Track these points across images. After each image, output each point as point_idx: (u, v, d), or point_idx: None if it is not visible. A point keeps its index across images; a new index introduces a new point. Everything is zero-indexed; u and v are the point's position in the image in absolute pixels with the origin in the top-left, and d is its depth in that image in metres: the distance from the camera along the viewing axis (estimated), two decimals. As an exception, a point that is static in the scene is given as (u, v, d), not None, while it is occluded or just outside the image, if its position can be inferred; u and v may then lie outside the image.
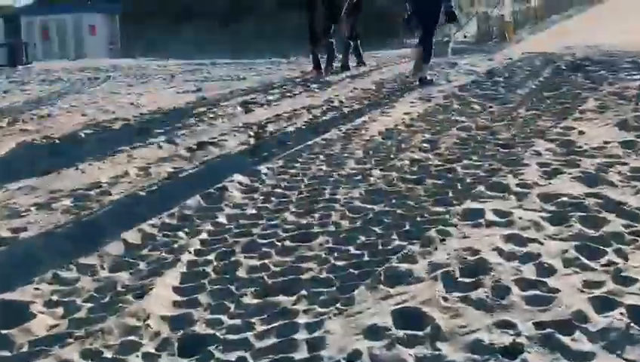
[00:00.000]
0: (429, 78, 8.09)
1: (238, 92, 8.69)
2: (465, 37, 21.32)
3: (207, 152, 5.40)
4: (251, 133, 5.93)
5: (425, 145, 5.11)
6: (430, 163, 4.65)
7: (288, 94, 8.15)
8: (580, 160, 4.41)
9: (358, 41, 10.77)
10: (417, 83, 8.03)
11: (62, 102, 8.71)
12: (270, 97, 8.01)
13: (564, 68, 7.86)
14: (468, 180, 4.23)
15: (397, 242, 3.36)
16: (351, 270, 3.09)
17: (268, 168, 4.75)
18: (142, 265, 3.34)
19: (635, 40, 12.77)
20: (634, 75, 6.64)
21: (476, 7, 28.24)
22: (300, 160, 4.97)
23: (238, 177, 4.53)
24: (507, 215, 3.58)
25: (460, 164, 4.56)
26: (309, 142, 5.49)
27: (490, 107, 6.28)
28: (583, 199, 3.73)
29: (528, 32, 25.10)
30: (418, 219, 3.65)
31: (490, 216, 3.58)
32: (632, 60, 7.55)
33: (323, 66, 10.05)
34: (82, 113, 7.52)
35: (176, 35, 33.94)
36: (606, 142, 4.77)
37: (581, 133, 5.06)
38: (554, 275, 2.88)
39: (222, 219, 3.86)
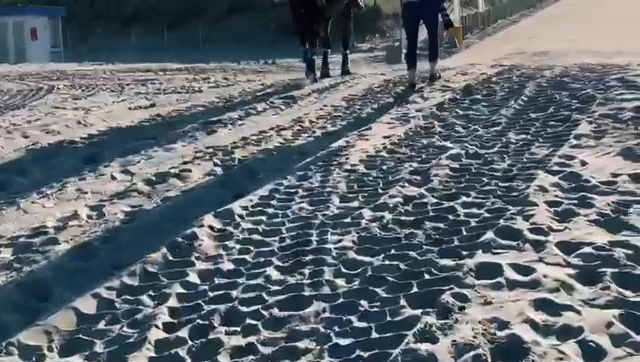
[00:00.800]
0: (437, 75, 8.92)
1: (196, 108, 8.05)
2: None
3: (169, 186, 4.76)
4: (217, 162, 5.29)
5: (415, 177, 4.58)
6: (425, 200, 4.12)
7: (252, 111, 7.54)
8: (592, 197, 3.95)
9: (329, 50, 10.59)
10: (428, 81, 8.74)
11: (0, 119, 7.91)
12: (233, 114, 7.40)
13: (545, 85, 7.43)
14: (472, 223, 3.73)
15: (407, 310, 2.83)
16: (359, 352, 2.55)
17: (241, 207, 4.15)
18: (99, 346, 2.73)
19: (580, 46, 12.72)
20: (624, 94, 6.22)
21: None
22: (277, 195, 4.39)
23: (208, 220, 3.92)
24: (529, 271, 3.08)
25: (459, 202, 4.05)
26: (284, 172, 4.91)
27: (476, 130, 5.79)
28: (610, 250, 3.25)
29: (477, 37, 25.02)
30: (426, 276, 3.12)
31: (510, 274, 3.07)
32: (618, 78, 7.15)
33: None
34: (23, 134, 6.76)
35: (122, 38, 32.98)
36: (614, 175, 4.31)
37: (583, 163, 4.60)
38: (604, 359, 2.41)
39: (193, 278, 3.27)
